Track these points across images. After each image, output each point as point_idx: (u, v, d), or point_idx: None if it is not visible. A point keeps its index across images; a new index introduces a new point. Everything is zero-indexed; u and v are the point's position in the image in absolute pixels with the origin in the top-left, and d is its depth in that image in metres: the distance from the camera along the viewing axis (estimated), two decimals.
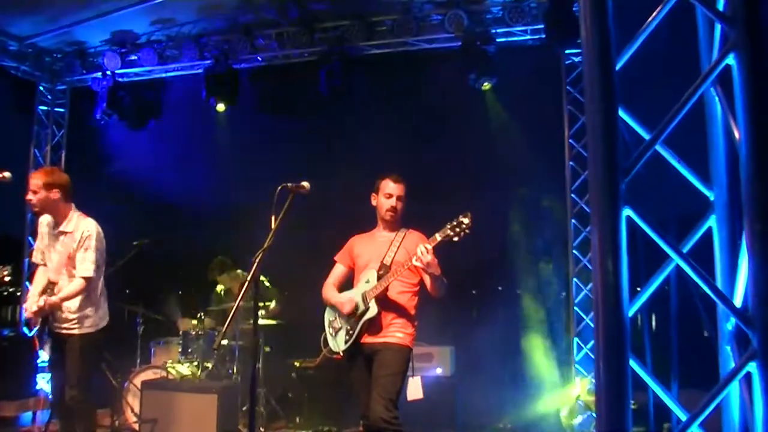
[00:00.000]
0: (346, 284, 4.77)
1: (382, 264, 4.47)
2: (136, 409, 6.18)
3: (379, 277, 4.43)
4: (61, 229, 4.82)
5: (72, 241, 4.77)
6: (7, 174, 4.56)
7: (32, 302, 4.70)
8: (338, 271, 4.78)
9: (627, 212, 2.07)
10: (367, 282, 4.48)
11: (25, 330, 4.87)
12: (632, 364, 2.15)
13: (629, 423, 1.83)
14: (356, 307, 4.47)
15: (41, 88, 9.03)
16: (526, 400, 6.93)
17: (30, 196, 4.77)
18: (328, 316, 4.68)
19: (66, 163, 8.92)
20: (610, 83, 2.11)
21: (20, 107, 8.67)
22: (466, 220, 4.16)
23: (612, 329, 1.88)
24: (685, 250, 2.37)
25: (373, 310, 4.40)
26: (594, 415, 6.41)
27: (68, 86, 9.13)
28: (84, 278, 4.70)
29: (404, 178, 4.63)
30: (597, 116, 2.14)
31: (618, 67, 2.12)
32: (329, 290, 4.70)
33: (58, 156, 9.05)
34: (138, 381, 6.48)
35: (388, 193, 4.58)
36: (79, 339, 4.74)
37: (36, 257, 5.03)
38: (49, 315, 4.70)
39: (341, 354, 4.53)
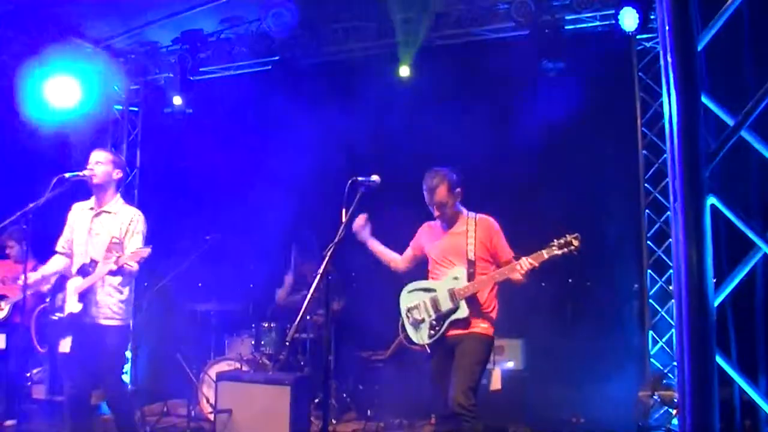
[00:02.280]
0: (416, 269, 4.76)
1: (468, 261, 4.39)
2: (212, 400, 6.31)
3: (469, 276, 4.36)
4: (104, 208, 4.74)
5: (117, 223, 4.69)
6: (87, 172, 4.69)
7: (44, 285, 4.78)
8: (407, 254, 4.82)
9: (711, 200, 1.98)
10: (456, 279, 4.40)
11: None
12: (717, 358, 2.06)
13: (717, 420, 1.75)
14: (438, 302, 4.42)
15: (115, 88, 9.31)
16: (598, 394, 6.78)
17: (92, 166, 4.69)
18: (406, 302, 4.58)
19: (141, 161, 9.19)
20: (691, 65, 2.00)
21: (96, 107, 8.94)
22: (576, 243, 4.06)
23: (698, 322, 1.79)
24: None
25: (463, 311, 4.33)
26: (670, 410, 6.22)
27: (142, 86, 9.38)
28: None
29: (437, 170, 4.50)
30: (678, 100, 2.03)
31: (700, 47, 2.01)
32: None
33: (134, 154, 9.31)
34: (213, 372, 6.62)
35: (426, 195, 4.52)
36: (116, 333, 4.64)
37: (60, 245, 4.90)
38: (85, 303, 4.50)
39: (426, 347, 4.44)
